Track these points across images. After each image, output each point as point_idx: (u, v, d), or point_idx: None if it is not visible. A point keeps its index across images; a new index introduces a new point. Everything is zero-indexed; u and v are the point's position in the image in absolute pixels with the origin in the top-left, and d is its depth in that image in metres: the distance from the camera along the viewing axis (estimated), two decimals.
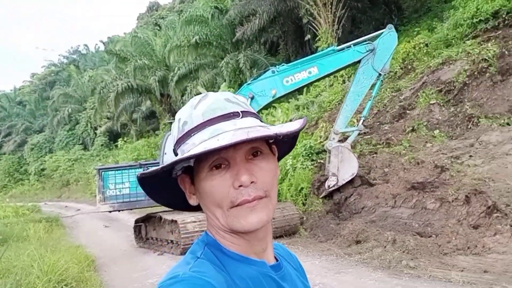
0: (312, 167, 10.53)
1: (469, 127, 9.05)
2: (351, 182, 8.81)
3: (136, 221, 9.92)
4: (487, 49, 9.61)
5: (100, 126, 32.41)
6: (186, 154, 0.69)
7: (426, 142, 8.96)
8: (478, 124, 8.86)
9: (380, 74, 8.50)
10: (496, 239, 5.90)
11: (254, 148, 0.74)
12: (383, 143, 9.71)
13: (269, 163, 0.76)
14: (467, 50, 10.03)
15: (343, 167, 8.49)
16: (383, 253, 5.92)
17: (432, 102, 9.79)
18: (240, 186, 0.71)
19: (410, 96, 10.65)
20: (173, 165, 0.71)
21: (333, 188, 8.62)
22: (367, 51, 8.39)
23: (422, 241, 6.31)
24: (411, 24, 14.77)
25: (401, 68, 12.16)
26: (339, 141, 8.80)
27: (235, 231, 0.75)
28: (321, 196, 9.03)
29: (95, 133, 33.77)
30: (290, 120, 13.98)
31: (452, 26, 11.37)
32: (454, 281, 4.56)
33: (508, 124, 8.40)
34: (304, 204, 9.69)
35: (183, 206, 0.84)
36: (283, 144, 0.84)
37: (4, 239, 9.60)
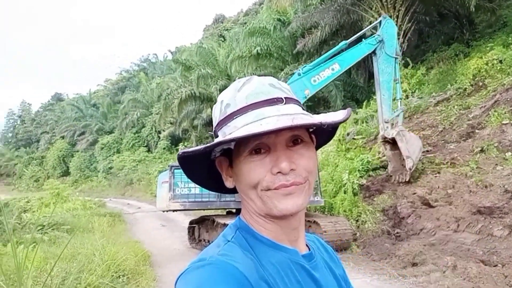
0: (367, 184, 10.21)
1: None
2: (411, 202, 8.55)
3: (191, 223, 10.28)
4: None
5: (163, 130, 34.10)
6: (229, 136, 0.69)
7: (496, 164, 8.29)
8: None
9: (396, 58, 9.34)
10: None
11: (295, 135, 0.73)
12: (447, 162, 9.16)
13: (309, 151, 0.75)
14: None
15: (411, 147, 8.98)
16: (441, 278, 5.55)
17: (504, 122, 9.06)
18: (279, 172, 0.70)
19: (480, 115, 9.95)
20: (216, 145, 0.71)
21: (413, 169, 8.97)
22: (378, 42, 9.16)
23: (486, 270, 5.82)
24: (484, 39, 13.85)
25: (471, 85, 11.42)
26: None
27: (269, 215, 0.74)
28: (406, 180, 9.23)
29: (159, 137, 35.56)
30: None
31: None
32: None
33: None
34: (357, 221, 9.41)
35: (217, 187, 0.84)
36: (322, 135, 0.83)
37: (71, 229, 10.44)
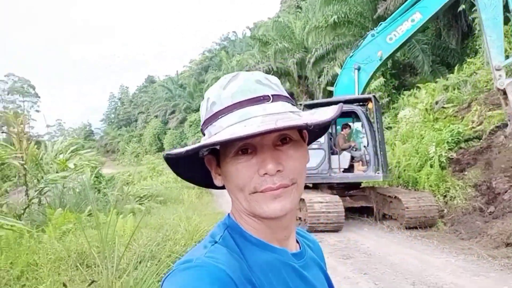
0: (458, 156, 9.38)
1: None
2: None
3: None
4: None
5: None
6: (212, 139, 0.67)
7: None
8: None
9: None
10: None
11: (283, 134, 0.70)
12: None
13: (298, 151, 0.72)
14: None
15: None
16: None
17: None
18: (265, 174, 0.68)
19: None
20: (197, 149, 0.68)
21: (497, 85, 7.56)
22: None
23: None
24: None
25: None
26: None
27: (257, 216, 0.72)
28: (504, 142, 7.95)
29: None
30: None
31: None
32: None
33: None
34: (445, 197, 8.76)
35: (209, 184, 0.82)
36: (313, 131, 0.78)
37: (164, 200, 11.50)
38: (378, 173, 8.34)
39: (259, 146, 0.69)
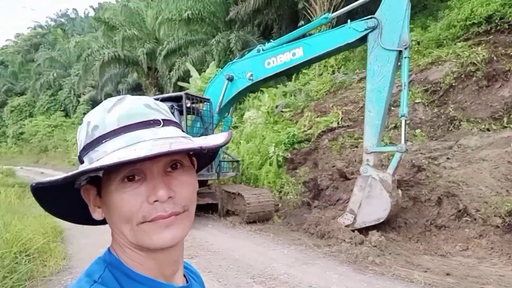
0: (292, 156, 10.52)
1: (450, 129, 9.13)
2: (331, 175, 8.76)
3: None
4: (476, 53, 9.62)
5: (83, 94, 31.68)
6: (96, 164, 0.61)
7: (407, 140, 8.99)
8: (459, 127, 8.94)
9: (400, 51, 6.20)
10: (463, 242, 6.00)
11: (174, 160, 0.67)
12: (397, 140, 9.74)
13: (189, 177, 0.70)
14: (457, 52, 10.03)
15: (368, 205, 6.30)
16: (351, 247, 5.96)
17: (417, 101, 9.81)
18: (156, 201, 0.64)
19: (397, 93, 10.64)
20: (79, 175, 0.62)
21: (348, 227, 6.52)
22: (367, 28, 6.44)
23: (391, 237, 6.38)
24: None
25: None
26: (374, 165, 6.48)
27: (145, 248, 0.67)
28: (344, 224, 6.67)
29: (78, 101, 33.08)
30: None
31: (445, 26, 11.34)
32: (416, 282, 4.61)
33: (488, 130, 8.50)
34: (280, 192, 9.70)
35: (84, 219, 0.75)
36: (203, 157, 0.78)
37: None
38: (211, 172, 8.66)
39: (149, 172, 0.65)
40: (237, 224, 8.43)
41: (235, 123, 15.04)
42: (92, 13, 44.48)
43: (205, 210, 9.43)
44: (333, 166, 9.13)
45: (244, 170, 10.96)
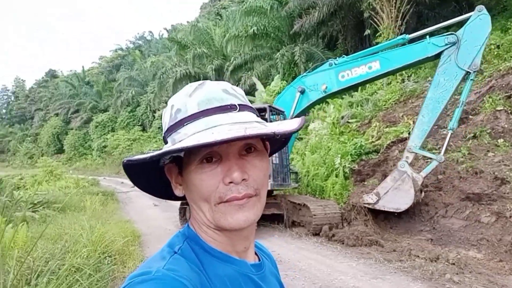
0: (359, 168, 10.22)
1: None
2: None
3: (182, 203, 10.29)
4: None
5: (158, 110, 33.87)
6: (178, 145, 0.66)
7: (488, 151, 8.30)
8: None
9: (468, 73, 6.65)
10: None
11: (248, 144, 0.71)
12: (439, 148, 9.16)
13: (262, 161, 0.73)
14: None
15: (395, 196, 7.10)
16: (425, 263, 5.62)
17: (498, 108, 9.02)
18: (231, 182, 0.68)
19: (475, 100, 9.89)
20: (163, 155, 0.68)
21: (368, 206, 7.39)
22: (447, 44, 6.77)
23: (471, 255, 5.90)
24: None
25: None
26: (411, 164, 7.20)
27: (220, 228, 0.72)
28: (361, 202, 7.76)
29: (154, 116, 35.37)
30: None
31: None
32: None
33: None
34: (348, 204, 9.45)
35: (167, 195, 0.82)
36: (276, 142, 0.81)
37: (63, 207, 10.43)
38: (287, 182, 8.92)
39: (225, 154, 0.69)
40: (303, 235, 8.37)
41: (300, 134, 15.05)
42: (166, 35, 47.79)
43: (270, 220, 9.52)
44: None
45: (309, 182, 10.88)
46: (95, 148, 41.20)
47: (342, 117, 13.55)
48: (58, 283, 3.08)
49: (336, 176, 10.32)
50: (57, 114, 50.34)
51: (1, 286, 3.04)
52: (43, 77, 70.56)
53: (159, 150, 0.68)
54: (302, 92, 8.40)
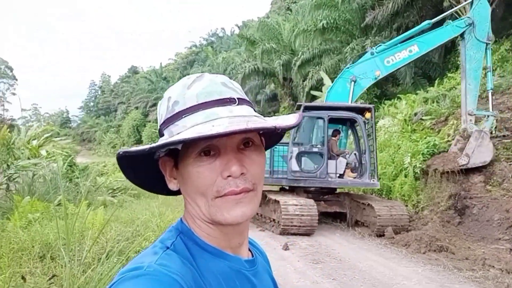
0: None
1: None
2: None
3: None
4: None
5: None
6: (177, 137, 0.64)
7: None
8: None
9: (487, 44, 8.73)
10: None
11: (247, 138, 0.70)
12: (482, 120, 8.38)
13: (260, 156, 0.72)
14: None
15: (479, 152, 8.34)
16: (501, 275, 5.13)
17: None
18: (229, 176, 0.67)
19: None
20: (162, 146, 0.65)
21: (462, 167, 8.32)
22: (467, 25, 8.64)
23: None
24: None
25: None
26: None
27: (216, 222, 0.70)
28: (448, 169, 8.53)
29: None
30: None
31: None
32: None
33: None
34: (416, 206, 8.95)
35: (160, 189, 0.80)
36: (271, 137, 0.80)
37: (138, 194, 11.29)
38: (373, 180, 8.59)
39: (223, 148, 0.68)
40: (366, 235, 8.12)
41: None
42: (237, 31, 48.95)
43: (333, 218, 9.37)
44: (482, 181, 8.00)
45: None
46: None
47: (415, 114, 12.76)
48: (124, 263, 3.38)
49: (405, 176, 9.80)
50: (137, 108, 54.32)
51: (77, 262, 3.41)
52: (126, 73, 76.62)
53: (157, 142, 0.67)
54: (355, 81, 9.13)
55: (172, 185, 0.74)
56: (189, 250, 0.70)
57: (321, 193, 9.12)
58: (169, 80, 52.98)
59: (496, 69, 12.37)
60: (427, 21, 9.16)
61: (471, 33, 8.66)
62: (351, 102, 9.05)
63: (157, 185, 0.79)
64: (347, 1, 17.76)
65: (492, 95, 8.85)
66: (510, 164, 8.02)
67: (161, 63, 61.49)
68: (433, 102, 13.09)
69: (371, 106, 9.24)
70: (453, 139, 10.43)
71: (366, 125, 8.94)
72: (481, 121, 8.92)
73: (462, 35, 8.79)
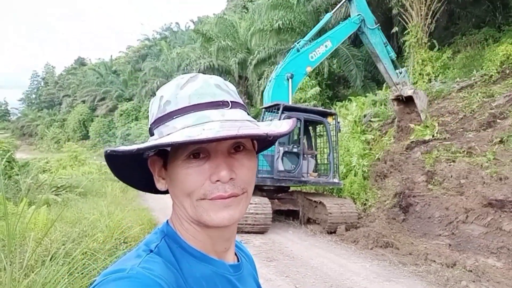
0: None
1: None
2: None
3: None
4: None
5: None
6: (166, 139, 0.63)
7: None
8: None
9: (377, 26, 10.35)
10: None
11: (238, 142, 0.69)
12: (464, 151, 8.88)
13: (250, 160, 0.71)
14: None
15: (422, 103, 10.51)
16: (441, 269, 5.49)
17: None
18: (218, 181, 0.66)
19: (504, 104, 9.53)
20: (150, 148, 0.65)
21: (403, 94, 10.46)
22: (361, 21, 9.99)
23: (490, 263, 5.72)
24: None
25: (498, 72, 10.91)
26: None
27: (202, 224, 0.69)
28: (421, 120, 10.42)
29: None
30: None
31: None
32: None
33: None
34: (364, 204, 9.33)
35: (147, 188, 0.79)
36: (263, 142, 0.79)
37: (84, 192, 10.73)
38: (336, 179, 9.08)
39: (213, 151, 0.67)
40: (317, 233, 8.33)
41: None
42: (192, 26, 48.13)
43: (286, 216, 9.50)
44: (425, 181, 8.51)
45: None
46: (119, 136, 42.06)
47: (365, 116, 13.33)
48: (71, 265, 3.17)
49: (355, 175, 10.18)
50: (84, 101, 51.68)
51: (18, 265, 3.15)
52: (72, 65, 72.57)
53: (146, 142, 0.66)
54: (292, 77, 9.58)
55: (160, 185, 0.74)
56: (174, 253, 0.70)
57: (275, 191, 9.21)
58: (119, 74, 50.96)
59: (439, 76, 13.24)
60: (329, 14, 10.73)
61: (366, 26, 10.05)
62: (290, 99, 9.49)
63: (146, 184, 0.78)
64: (302, 3, 18.11)
65: (396, 58, 10.82)
66: (450, 165, 8.59)
67: (111, 56, 59.01)
68: (381, 105, 13.75)
69: (335, 111, 10.01)
70: (393, 143, 11.07)
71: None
72: (399, 84, 10.68)
73: (359, 29, 10.10)
